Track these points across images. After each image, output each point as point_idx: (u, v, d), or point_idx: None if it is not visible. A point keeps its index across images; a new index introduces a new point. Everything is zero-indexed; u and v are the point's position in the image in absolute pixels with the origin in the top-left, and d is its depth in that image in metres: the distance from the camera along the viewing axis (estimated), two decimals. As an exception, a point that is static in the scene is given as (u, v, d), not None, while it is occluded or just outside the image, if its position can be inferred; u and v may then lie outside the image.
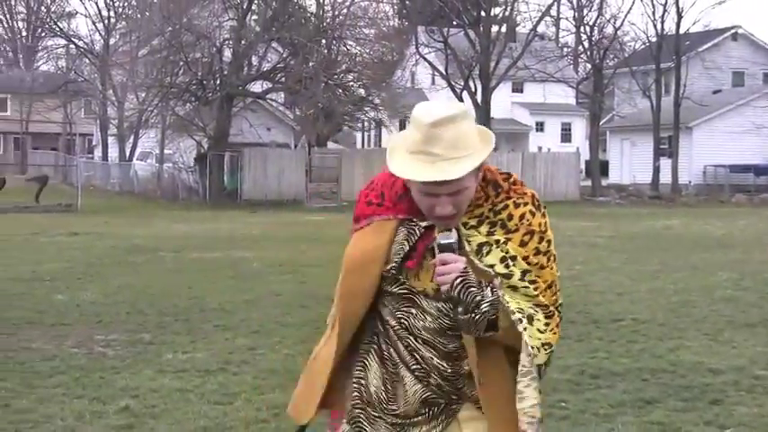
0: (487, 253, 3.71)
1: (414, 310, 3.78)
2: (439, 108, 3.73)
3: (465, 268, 3.59)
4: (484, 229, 3.75)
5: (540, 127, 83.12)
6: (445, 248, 3.62)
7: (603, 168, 69.36)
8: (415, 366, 3.80)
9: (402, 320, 3.80)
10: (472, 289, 3.54)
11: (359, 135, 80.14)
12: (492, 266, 3.69)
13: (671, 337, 13.67)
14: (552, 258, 3.81)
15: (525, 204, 3.79)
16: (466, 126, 3.70)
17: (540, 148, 70.18)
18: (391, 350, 3.85)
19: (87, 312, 15.84)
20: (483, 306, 3.52)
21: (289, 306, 16.56)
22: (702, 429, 8.96)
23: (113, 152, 77.09)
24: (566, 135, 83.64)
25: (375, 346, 3.89)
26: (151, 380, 11.07)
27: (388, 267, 3.79)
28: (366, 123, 70.57)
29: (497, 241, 3.72)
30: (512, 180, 3.85)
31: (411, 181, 3.75)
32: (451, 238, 3.65)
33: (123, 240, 29.30)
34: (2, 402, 10.02)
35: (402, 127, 71.02)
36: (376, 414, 3.85)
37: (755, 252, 25.77)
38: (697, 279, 20.05)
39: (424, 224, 3.78)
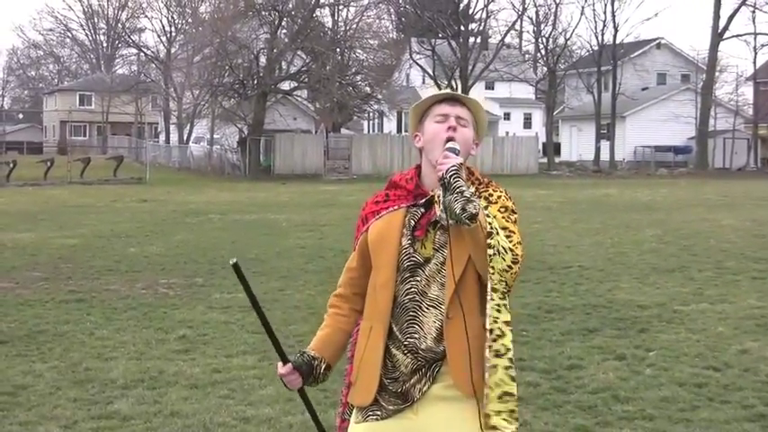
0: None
1: (419, 277, 3.63)
2: None
3: (461, 164, 3.50)
4: None
5: (507, 117, 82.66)
6: (451, 151, 3.55)
7: (556, 149, 69.21)
8: (408, 341, 3.62)
9: (411, 289, 3.64)
10: (460, 180, 3.43)
11: (365, 123, 79.83)
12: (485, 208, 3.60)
13: (608, 280, 13.67)
14: (518, 233, 3.66)
15: (501, 192, 3.73)
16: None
17: (507, 133, 69.91)
18: (393, 329, 3.66)
19: (153, 262, 15.85)
20: (465, 193, 3.39)
21: (310, 256, 16.56)
22: (633, 352, 8.95)
23: (174, 137, 77.20)
24: (527, 123, 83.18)
25: (386, 331, 3.67)
26: (203, 314, 11.09)
27: (405, 243, 3.65)
28: (371, 114, 70.32)
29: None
30: (489, 179, 3.80)
31: (430, 120, 3.72)
32: (457, 146, 3.58)
33: (181, 206, 29.30)
34: (87, 331, 10.04)
35: (399, 117, 71.07)
36: (382, 392, 3.66)
37: (674, 214, 25.74)
38: (629, 235, 20.03)
39: (422, 201, 3.69)
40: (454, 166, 3.47)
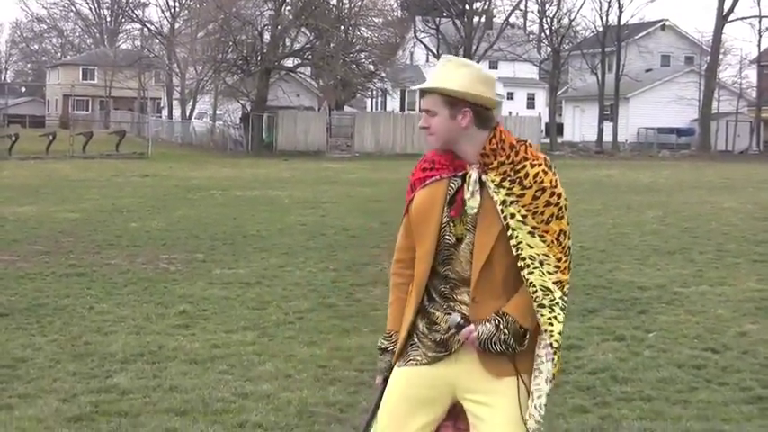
0: (510, 203, 3.64)
1: (453, 256, 3.72)
2: (455, 56, 3.79)
3: (477, 335, 3.62)
4: (506, 184, 3.66)
5: (510, 96, 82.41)
6: (458, 327, 3.64)
7: (559, 129, 69.11)
8: (446, 305, 3.74)
9: (447, 266, 3.74)
10: (491, 343, 3.62)
11: (369, 101, 79.70)
12: (513, 216, 3.63)
13: (609, 261, 13.66)
14: (564, 208, 3.73)
15: (539, 165, 3.70)
16: (457, 71, 3.70)
17: (510, 113, 69.78)
18: (432, 294, 3.79)
19: (154, 237, 15.86)
20: (501, 346, 3.63)
21: (311, 233, 16.56)
22: (632, 333, 8.95)
23: (177, 112, 77.13)
24: (530, 103, 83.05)
25: (420, 296, 3.81)
26: (203, 289, 11.09)
27: (445, 220, 3.72)
28: (374, 92, 70.19)
29: (513, 202, 3.64)
30: (527, 144, 3.78)
31: None
32: (457, 317, 3.64)
33: (183, 181, 29.30)
34: (87, 305, 10.05)
35: (403, 95, 70.96)
36: (423, 339, 3.80)
37: (676, 195, 25.74)
38: (630, 216, 20.02)
39: (460, 174, 3.73)
40: (478, 341, 3.62)
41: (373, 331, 8.78)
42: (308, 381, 7.23)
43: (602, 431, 6.22)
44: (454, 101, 3.68)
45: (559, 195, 3.73)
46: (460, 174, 3.73)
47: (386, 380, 3.94)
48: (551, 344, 3.63)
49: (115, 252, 14.02)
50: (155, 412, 6.47)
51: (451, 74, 3.70)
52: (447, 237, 3.73)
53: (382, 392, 3.93)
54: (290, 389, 7.03)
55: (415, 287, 3.82)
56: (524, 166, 3.69)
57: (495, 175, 3.68)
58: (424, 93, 3.74)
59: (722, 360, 7.98)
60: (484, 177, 3.69)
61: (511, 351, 3.62)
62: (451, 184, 3.74)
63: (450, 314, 3.70)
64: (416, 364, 3.79)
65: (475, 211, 3.66)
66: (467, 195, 3.67)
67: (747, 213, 20.64)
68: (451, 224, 3.72)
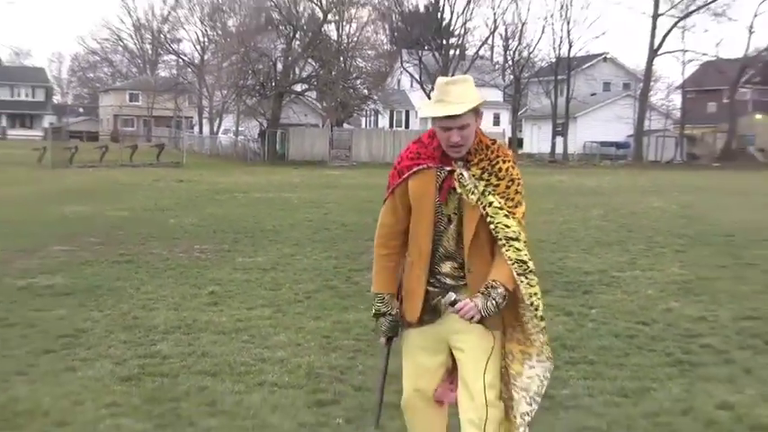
0: (489, 194, 3.75)
1: (443, 235, 3.83)
2: (451, 77, 3.83)
3: (474, 305, 3.72)
4: (485, 176, 3.77)
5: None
6: (452, 303, 3.74)
7: (519, 143, 69.31)
8: (432, 280, 3.88)
9: (436, 240, 3.83)
10: (486, 310, 3.73)
11: (363, 119, 79.59)
12: (491, 204, 3.74)
13: (560, 250, 13.71)
14: (524, 196, 3.87)
15: (508, 161, 3.82)
16: (467, 86, 3.75)
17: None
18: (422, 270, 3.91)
19: (189, 231, 15.86)
20: (496, 308, 3.76)
21: (316, 228, 16.58)
22: (578, 309, 9.01)
23: (206, 129, 77.02)
24: (496, 121, 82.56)
25: (427, 272, 3.91)
26: (229, 274, 11.11)
27: (437, 201, 3.81)
28: (368, 112, 70.18)
29: (491, 191, 3.75)
30: (498, 144, 3.87)
31: (436, 125, 3.78)
32: (452, 297, 3.74)
33: (212, 185, 29.26)
34: (135, 287, 10.07)
35: (392, 115, 70.93)
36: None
37: (616, 197, 25.78)
38: (577, 214, 20.07)
39: (447, 169, 3.80)
40: (477, 312, 3.73)
41: (368, 308, 8.81)
42: (314, 348, 7.28)
43: (553, 389, 6.26)
44: (477, 108, 3.77)
45: (522, 186, 3.86)
46: (448, 169, 3.79)
47: (389, 339, 4.07)
48: (537, 316, 3.88)
49: (157, 243, 14.04)
50: (190, 373, 6.52)
51: (468, 90, 3.75)
52: (440, 218, 3.82)
53: (388, 351, 4.09)
54: (300, 355, 7.07)
55: (421, 263, 3.89)
56: (498, 162, 3.80)
57: (477, 169, 3.78)
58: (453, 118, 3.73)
59: (651, 331, 8.05)
60: (466, 173, 3.78)
61: (499, 307, 3.76)
62: (438, 173, 3.81)
63: (445, 293, 3.81)
64: (419, 326, 3.97)
65: (476, 200, 3.74)
66: (460, 189, 3.76)
67: (672, 212, 20.72)
68: (442, 207, 3.81)
